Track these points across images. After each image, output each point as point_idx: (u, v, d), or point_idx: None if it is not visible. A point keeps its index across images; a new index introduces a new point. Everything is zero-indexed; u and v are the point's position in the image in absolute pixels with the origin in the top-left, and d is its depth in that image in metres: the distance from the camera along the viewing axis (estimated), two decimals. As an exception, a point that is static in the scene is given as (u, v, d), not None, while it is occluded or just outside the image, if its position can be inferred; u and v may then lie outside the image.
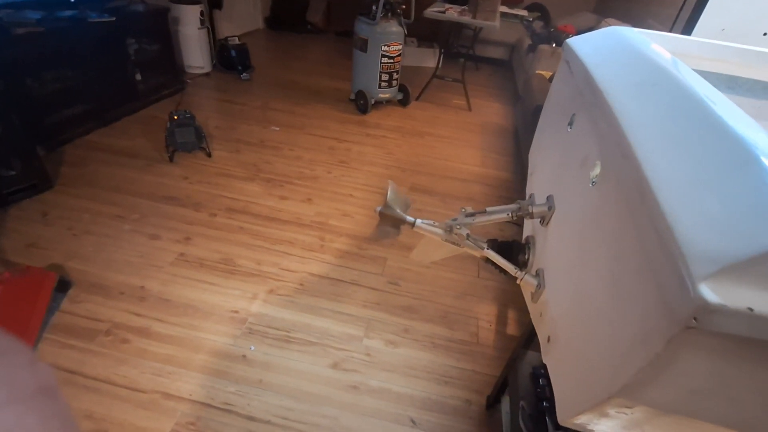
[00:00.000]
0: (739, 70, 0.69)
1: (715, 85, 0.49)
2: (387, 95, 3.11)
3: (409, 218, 0.70)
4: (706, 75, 0.52)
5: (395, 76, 3.05)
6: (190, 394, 1.20)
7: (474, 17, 3.03)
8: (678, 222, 0.32)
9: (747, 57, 0.72)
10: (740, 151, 0.36)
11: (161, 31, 2.91)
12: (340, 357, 1.35)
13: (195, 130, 2.26)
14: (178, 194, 2.01)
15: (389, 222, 0.69)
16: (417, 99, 3.45)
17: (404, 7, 2.93)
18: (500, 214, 0.72)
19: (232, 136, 2.59)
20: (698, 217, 0.32)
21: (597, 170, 0.53)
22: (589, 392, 0.45)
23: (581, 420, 0.47)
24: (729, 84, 0.67)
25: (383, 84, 3.02)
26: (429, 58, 4.28)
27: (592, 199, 0.53)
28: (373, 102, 3.07)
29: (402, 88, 3.23)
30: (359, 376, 1.30)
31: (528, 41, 3.73)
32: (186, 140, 2.25)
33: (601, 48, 0.65)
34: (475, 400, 1.28)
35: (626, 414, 0.42)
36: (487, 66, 4.61)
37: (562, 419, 0.50)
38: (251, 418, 1.16)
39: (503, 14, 3.61)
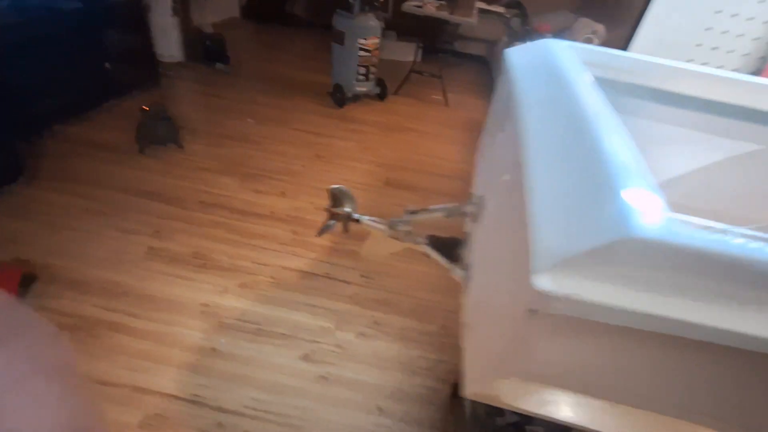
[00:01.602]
0: (661, 83, 0.74)
1: (639, 95, 0.53)
2: (364, 89, 3.12)
3: (355, 214, 0.73)
4: (632, 87, 0.57)
5: (372, 69, 3.06)
6: (161, 388, 1.21)
7: (451, 13, 3.06)
8: (537, 226, 0.38)
9: (666, 71, 0.78)
10: (600, 171, 0.42)
11: (136, 20, 2.84)
12: (311, 349, 1.38)
13: (167, 123, 2.23)
14: (154, 188, 1.99)
15: (336, 218, 0.71)
16: (395, 93, 3.47)
17: (382, 0, 2.94)
18: (439, 212, 0.76)
19: (208, 130, 2.56)
20: (551, 223, 0.37)
21: (506, 176, 0.58)
22: (480, 369, 0.51)
23: (478, 394, 0.54)
24: (653, 95, 0.72)
25: (360, 78, 3.03)
26: (408, 53, 4.29)
27: (500, 202, 0.58)
28: (350, 95, 3.08)
29: (379, 82, 3.24)
30: (330, 368, 1.33)
31: (505, 39, 3.78)
32: (158, 133, 2.22)
33: (530, 60, 0.69)
34: (441, 388, 1.33)
35: (516, 386, 0.48)
36: (469, 62, 4.66)
37: (465, 394, 0.56)
38: (221, 410, 1.18)
39: (481, 11, 3.64)
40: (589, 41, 2.92)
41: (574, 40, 1.69)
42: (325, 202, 1.03)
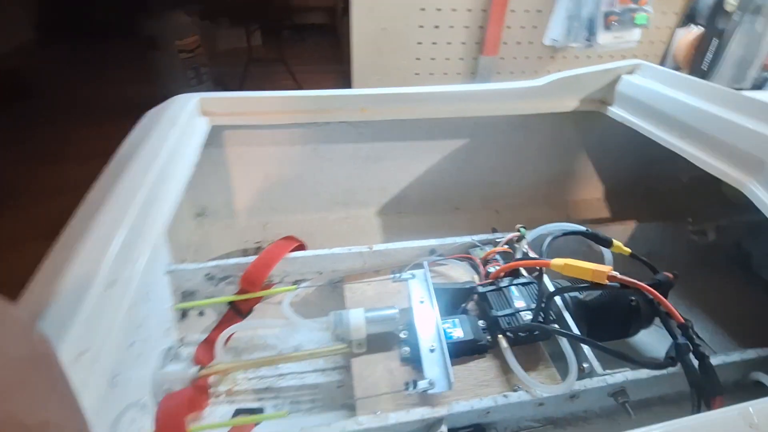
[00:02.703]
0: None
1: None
2: (203, 93, 2.84)
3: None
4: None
5: (204, 69, 2.78)
6: None
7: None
8: None
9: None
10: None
11: None
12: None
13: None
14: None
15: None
16: (240, 90, 3.22)
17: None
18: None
19: (24, 186, 2.15)
20: None
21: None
22: None
23: None
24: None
25: (192, 83, 2.74)
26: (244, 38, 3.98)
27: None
28: (189, 104, 2.78)
29: (219, 81, 2.97)
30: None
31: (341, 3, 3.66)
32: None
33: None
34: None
35: None
36: (313, 34, 4.47)
37: None
38: None
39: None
40: None
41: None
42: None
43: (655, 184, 1.28)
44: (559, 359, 0.76)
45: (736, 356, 0.75)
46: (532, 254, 0.90)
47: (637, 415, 0.69)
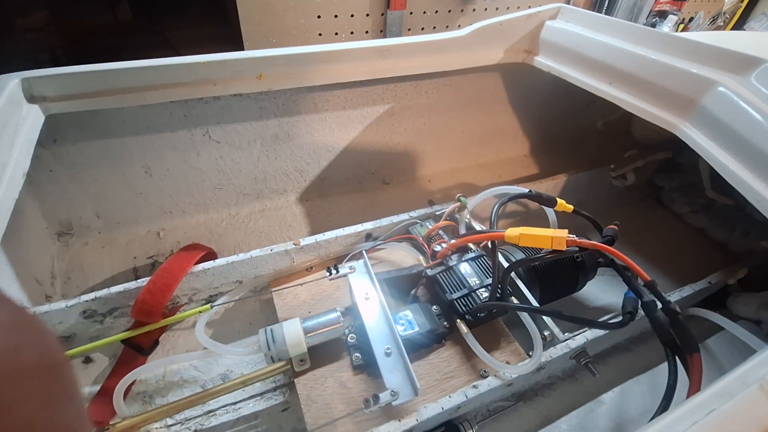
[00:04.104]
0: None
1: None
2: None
3: None
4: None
5: (59, 51, 2.27)
6: None
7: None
8: None
9: None
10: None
11: None
12: None
13: None
14: None
15: None
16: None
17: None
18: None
19: None
20: None
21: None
22: None
23: None
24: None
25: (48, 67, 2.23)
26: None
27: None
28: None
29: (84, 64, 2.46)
30: None
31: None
32: None
33: None
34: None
35: None
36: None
37: None
38: None
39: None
40: None
41: None
42: None
43: (576, 136, 1.29)
44: (514, 327, 0.72)
45: (676, 295, 0.76)
46: (475, 224, 0.84)
47: (596, 369, 0.68)
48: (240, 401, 0.72)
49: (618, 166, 1.15)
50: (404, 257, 0.82)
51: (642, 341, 0.83)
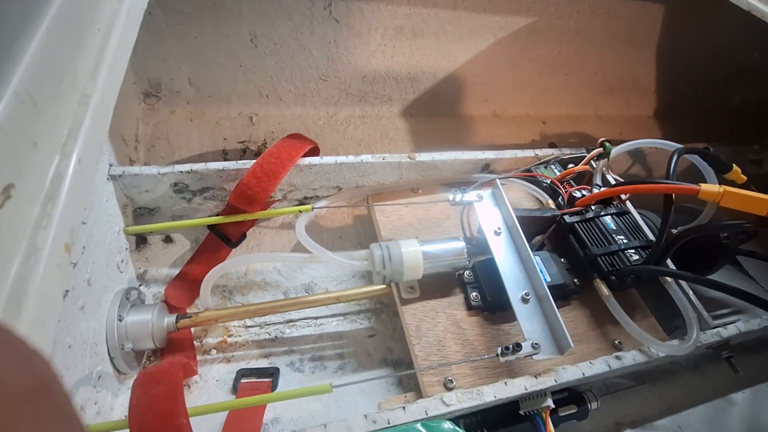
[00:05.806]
0: None
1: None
2: None
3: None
4: None
5: None
6: None
7: None
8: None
9: None
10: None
11: None
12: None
13: None
14: None
15: None
16: None
17: None
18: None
19: None
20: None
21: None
22: None
23: None
24: None
25: None
26: None
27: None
28: None
29: None
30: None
31: None
32: None
33: None
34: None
35: None
36: None
37: None
38: None
39: None
40: None
41: None
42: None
43: (706, 108, 1.11)
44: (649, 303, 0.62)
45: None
46: (612, 176, 0.71)
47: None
48: (321, 317, 0.65)
49: (762, 147, 0.99)
50: (522, 198, 0.71)
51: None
